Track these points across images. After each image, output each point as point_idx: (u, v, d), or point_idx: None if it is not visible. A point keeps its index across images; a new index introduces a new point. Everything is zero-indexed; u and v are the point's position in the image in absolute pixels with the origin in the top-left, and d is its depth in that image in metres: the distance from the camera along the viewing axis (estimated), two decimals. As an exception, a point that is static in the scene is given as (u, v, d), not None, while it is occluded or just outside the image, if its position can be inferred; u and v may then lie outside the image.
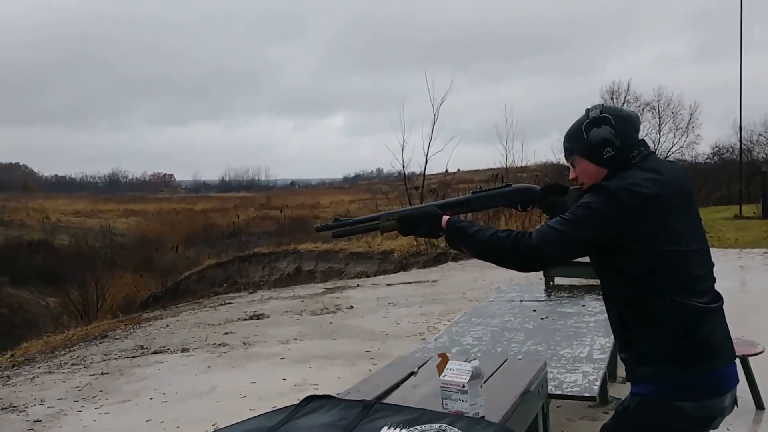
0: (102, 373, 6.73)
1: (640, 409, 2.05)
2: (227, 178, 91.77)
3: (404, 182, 18.24)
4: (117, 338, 9.13)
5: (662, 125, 33.44)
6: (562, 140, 2.22)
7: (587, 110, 2.14)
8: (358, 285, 12.28)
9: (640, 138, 2.13)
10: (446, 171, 19.08)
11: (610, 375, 4.76)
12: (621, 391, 4.55)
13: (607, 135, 2.06)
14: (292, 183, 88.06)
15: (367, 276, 14.44)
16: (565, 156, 2.23)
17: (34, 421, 5.31)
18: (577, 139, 2.14)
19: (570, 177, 2.23)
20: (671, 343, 1.98)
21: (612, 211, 1.96)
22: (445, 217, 2.23)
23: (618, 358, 4.83)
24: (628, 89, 33.20)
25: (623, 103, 30.66)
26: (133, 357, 7.44)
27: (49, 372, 7.20)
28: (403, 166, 17.78)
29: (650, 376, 2.03)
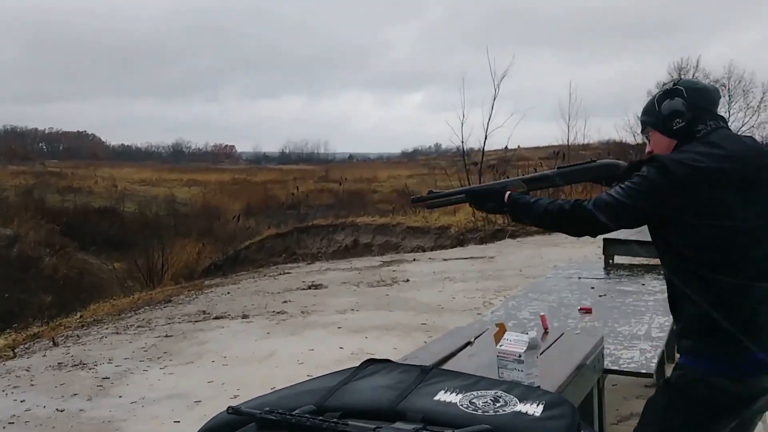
0: (166, 336, 6.98)
1: (679, 381, 2.07)
2: (287, 151, 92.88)
3: (463, 158, 18.14)
4: (180, 303, 9.42)
5: (732, 103, 32.34)
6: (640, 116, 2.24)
7: (664, 84, 2.16)
8: (414, 259, 12.34)
9: (717, 113, 2.10)
10: (506, 148, 18.93)
11: (668, 356, 4.70)
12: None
13: (677, 107, 2.06)
14: (350, 157, 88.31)
15: (424, 251, 14.47)
16: (641, 130, 2.26)
17: (103, 378, 5.56)
18: (650, 112, 2.16)
19: (646, 150, 2.24)
20: (709, 318, 1.96)
21: (660, 182, 1.97)
22: (508, 193, 2.30)
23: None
24: (697, 66, 32.19)
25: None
26: (196, 321, 7.68)
27: (117, 333, 7.50)
28: (462, 142, 17.66)
29: (689, 349, 2.05)
